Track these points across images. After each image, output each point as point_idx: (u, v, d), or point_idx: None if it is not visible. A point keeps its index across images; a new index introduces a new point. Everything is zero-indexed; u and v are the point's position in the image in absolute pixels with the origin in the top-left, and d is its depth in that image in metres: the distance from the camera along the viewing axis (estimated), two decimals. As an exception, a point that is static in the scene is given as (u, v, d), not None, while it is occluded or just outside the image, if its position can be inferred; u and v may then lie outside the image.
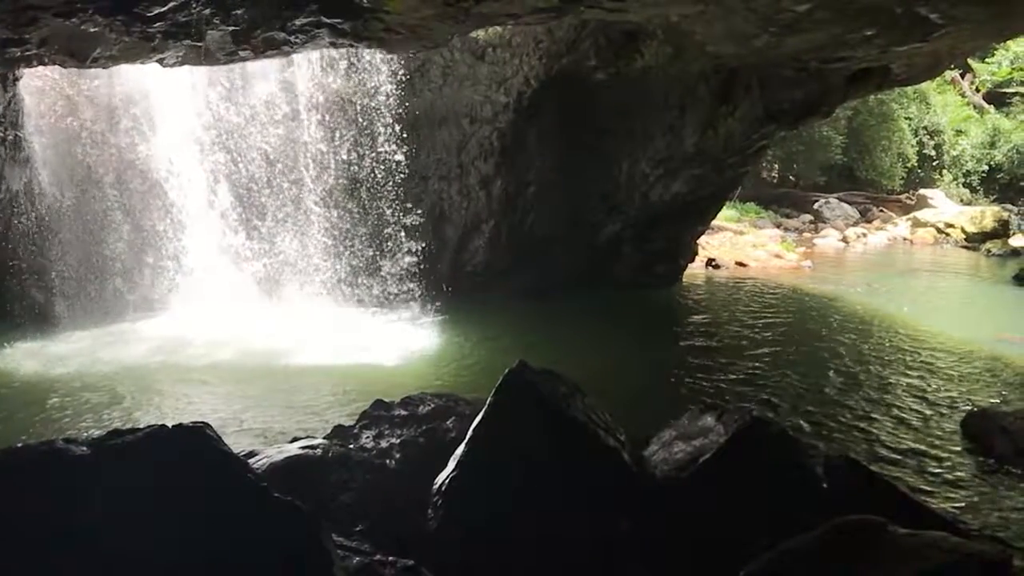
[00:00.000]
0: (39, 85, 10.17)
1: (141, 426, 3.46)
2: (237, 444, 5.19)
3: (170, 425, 3.40)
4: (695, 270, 16.52)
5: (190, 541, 2.95)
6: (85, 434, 6.02)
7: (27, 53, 6.87)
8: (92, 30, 6.40)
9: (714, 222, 17.36)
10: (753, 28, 8.76)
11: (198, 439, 3.33)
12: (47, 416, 7.30)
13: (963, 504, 5.84)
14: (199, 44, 6.92)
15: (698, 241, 15.92)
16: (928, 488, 6.10)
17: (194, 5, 6.15)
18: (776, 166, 30.10)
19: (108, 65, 7.61)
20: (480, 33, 11.03)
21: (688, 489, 4.31)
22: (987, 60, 34.24)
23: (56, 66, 7.95)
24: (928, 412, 8.05)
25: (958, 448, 7.03)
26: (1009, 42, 28.61)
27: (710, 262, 17.69)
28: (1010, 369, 9.80)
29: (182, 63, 7.65)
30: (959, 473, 6.48)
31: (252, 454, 4.66)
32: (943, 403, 8.34)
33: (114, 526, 2.93)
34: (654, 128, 12.33)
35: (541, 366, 4.72)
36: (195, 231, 11.21)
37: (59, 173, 10.33)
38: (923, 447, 7.04)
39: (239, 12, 6.43)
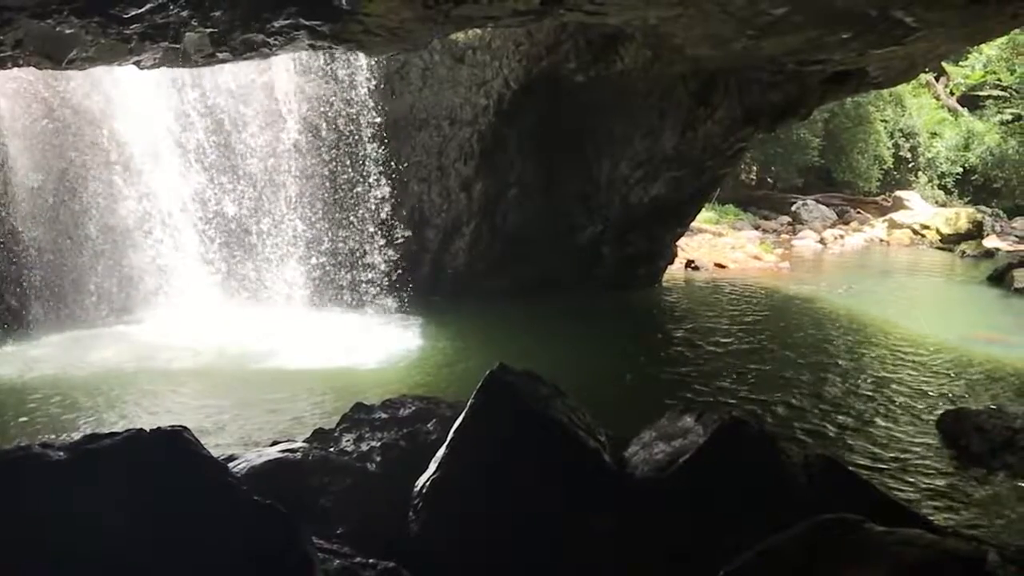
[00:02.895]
0: (14, 87, 10.06)
1: (118, 430, 3.43)
2: (216, 448, 5.16)
3: (148, 429, 3.38)
4: (675, 272, 16.61)
5: (169, 546, 2.93)
6: (62, 438, 5.96)
7: (1, 55, 6.79)
8: (68, 32, 6.34)
9: (693, 224, 17.45)
10: (730, 31, 8.83)
11: (176, 443, 3.31)
12: (23, 421, 7.22)
13: (939, 502, 5.91)
14: (177, 46, 6.87)
15: (677, 243, 16.00)
16: (904, 486, 6.17)
17: (171, 7, 6.10)
18: (754, 168, 30.33)
19: (84, 67, 7.53)
20: (460, 35, 11.03)
21: (668, 489, 4.33)
22: (961, 63, 34.72)
23: (31, 68, 7.86)
24: (905, 411, 8.15)
25: (934, 447, 7.12)
26: (982, 46, 29.02)
27: (689, 264, 17.79)
28: (985, 369, 9.94)
29: (159, 65, 7.59)
30: (935, 471, 6.56)
31: (231, 458, 4.63)
32: (920, 402, 8.43)
33: (91, 531, 2.90)
34: (633, 130, 12.40)
35: (521, 367, 4.73)
36: (173, 235, 11.12)
37: (34, 176, 10.22)
38: (900, 445, 7.13)
39: (217, 14, 6.38)
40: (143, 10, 6.06)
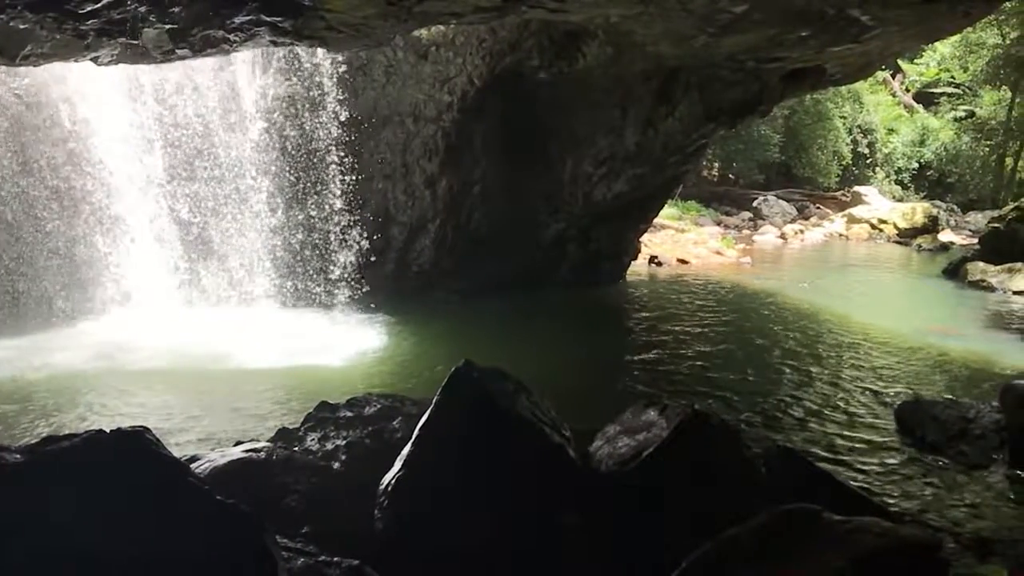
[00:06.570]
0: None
1: (78, 432, 3.39)
2: (178, 448, 5.12)
3: (108, 430, 3.33)
4: (638, 267, 16.75)
5: (131, 547, 2.91)
6: (19, 442, 5.85)
7: (-48, 51, 6.64)
8: (21, 27, 6.21)
9: (656, 220, 17.62)
10: (691, 29, 8.92)
11: (137, 444, 3.27)
12: (-22, 425, 7.08)
13: (896, 490, 6.04)
14: (135, 42, 6.76)
15: (641, 239, 16.13)
16: (863, 476, 6.29)
17: (129, 2, 6.00)
18: (716, 164, 30.65)
19: (39, 63, 7.38)
20: (423, 32, 11.00)
21: (632, 483, 4.37)
22: (916, 61, 35.46)
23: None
24: (864, 402, 8.31)
25: (892, 437, 7.27)
26: (937, 44, 29.65)
27: (653, 259, 17.95)
28: (941, 360, 10.17)
29: (117, 61, 7.46)
30: (892, 461, 6.70)
31: (194, 459, 4.59)
32: (878, 393, 8.60)
33: (50, 534, 2.86)
34: (596, 128, 12.46)
35: (487, 364, 4.74)
36: (134, 235, 10.95)
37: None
38: (859, 436, 7.26)
39: (176, 10, 6.29)
40: (99, 5, 5.95)
